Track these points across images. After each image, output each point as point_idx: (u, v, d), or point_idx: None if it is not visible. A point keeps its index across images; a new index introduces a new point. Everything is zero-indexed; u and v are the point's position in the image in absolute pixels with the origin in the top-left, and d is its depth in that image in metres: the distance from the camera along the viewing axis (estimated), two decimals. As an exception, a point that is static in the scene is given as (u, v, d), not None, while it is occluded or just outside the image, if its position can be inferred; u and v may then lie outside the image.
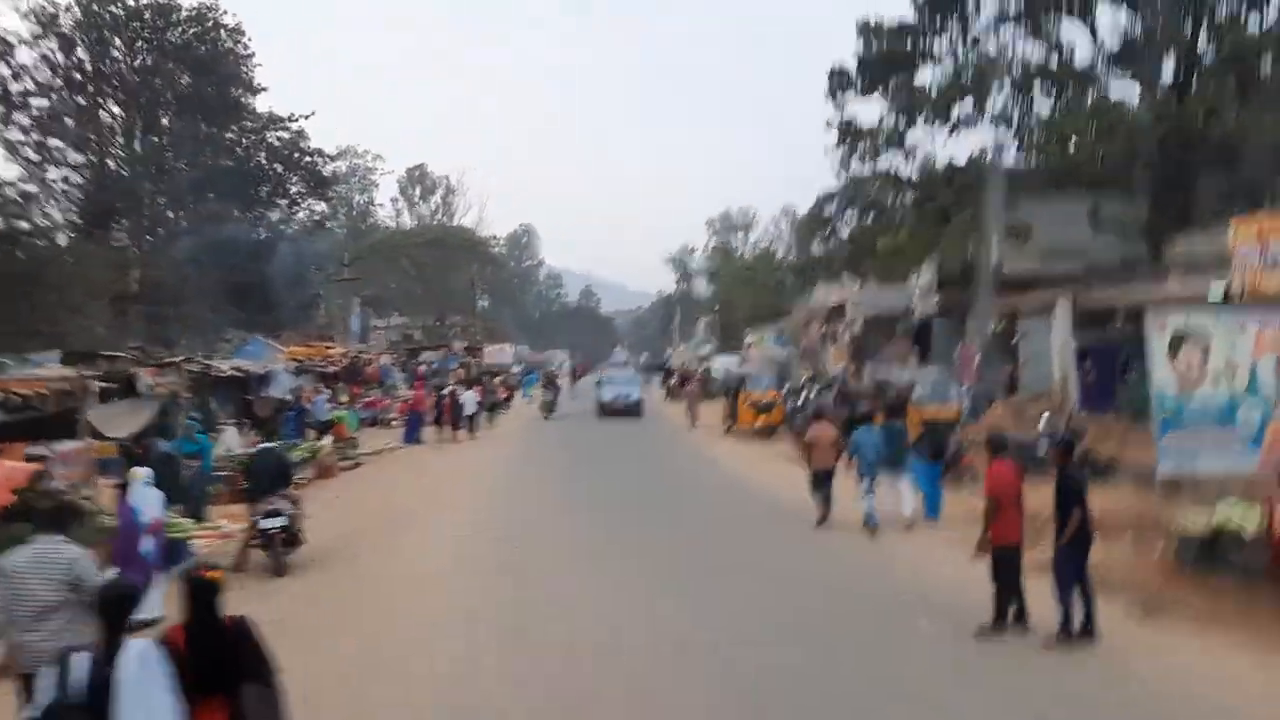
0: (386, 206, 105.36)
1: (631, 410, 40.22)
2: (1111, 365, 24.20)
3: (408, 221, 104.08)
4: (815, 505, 17.59)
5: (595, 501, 20.55)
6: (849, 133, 32.86)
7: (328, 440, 26.88)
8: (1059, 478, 10.69)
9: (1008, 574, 10.84)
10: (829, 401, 26.85)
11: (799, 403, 30.39)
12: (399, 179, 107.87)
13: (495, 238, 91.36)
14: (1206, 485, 13.26)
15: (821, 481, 17.74)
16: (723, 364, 53.89)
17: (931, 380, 25.00)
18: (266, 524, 14.17)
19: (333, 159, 63.80)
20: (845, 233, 70.07)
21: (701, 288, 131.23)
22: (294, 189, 61.53)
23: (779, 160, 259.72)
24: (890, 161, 33.01)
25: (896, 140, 32.21)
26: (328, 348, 42.06)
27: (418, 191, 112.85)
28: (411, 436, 31.65)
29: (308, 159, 60.88)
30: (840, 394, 27.97)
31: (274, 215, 60.93)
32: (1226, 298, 18.08)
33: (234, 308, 45.36)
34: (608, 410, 40.27)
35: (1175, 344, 13.59)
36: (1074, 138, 30.25)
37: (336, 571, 14.53)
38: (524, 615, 11.66)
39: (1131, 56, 30.33)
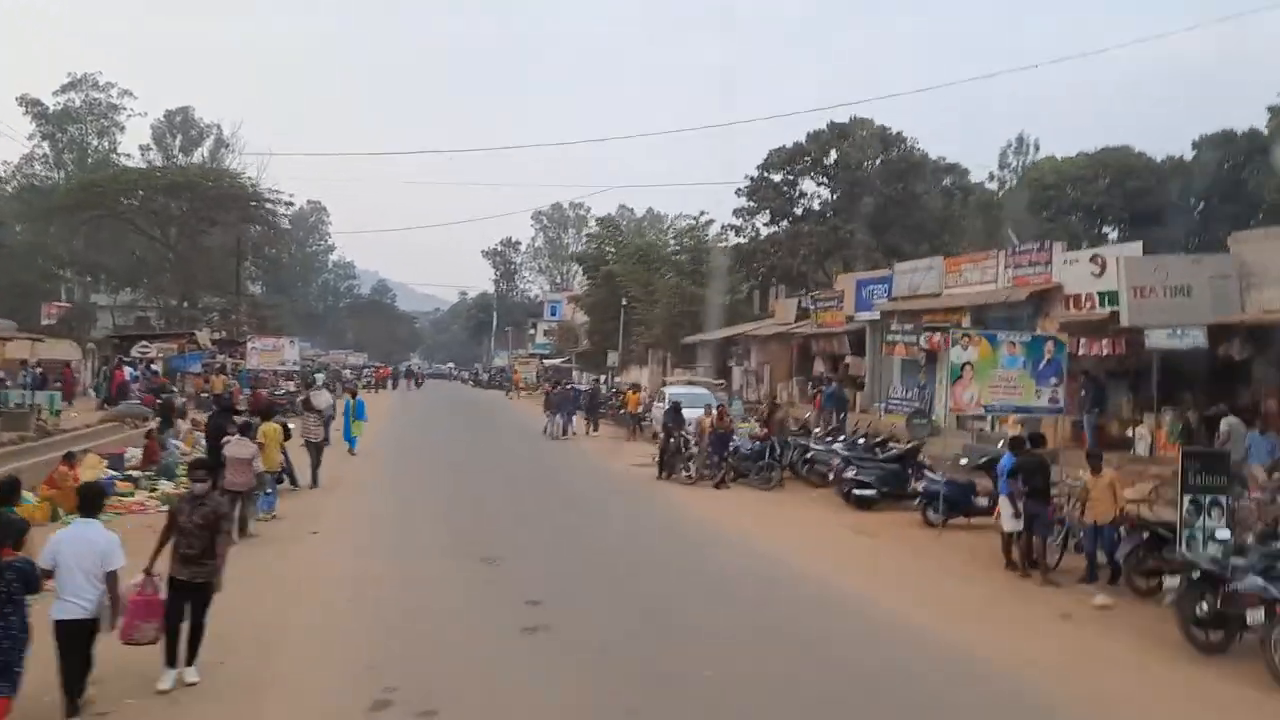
0: (135, 156, 71.90)
1: None
2: None
3: (162, 176, 70.70)
4: None
5: None
6: None
7: None
8: None
9: None
10: None
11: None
12: (154, 123, 74.76)
13: (279, 193, 59.94)
14: None
15: None
16: (676, 394, 27.42)
17: None
18: None
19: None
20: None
21: (534, 287, 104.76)
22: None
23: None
24: None
25: None
26: None
27: (178, 141, 79.93)
28: None
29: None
30: None
31: None
32: None
33: None
34: None
35: None
36: None
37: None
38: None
39: None
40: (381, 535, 13.48)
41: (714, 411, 19.73)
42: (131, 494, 16.76)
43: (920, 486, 15.04)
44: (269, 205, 61.33)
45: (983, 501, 14.70)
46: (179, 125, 78.76)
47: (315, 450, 17.84)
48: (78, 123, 72.51)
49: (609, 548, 12.94)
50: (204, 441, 15.77)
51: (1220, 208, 40.54)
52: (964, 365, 14.39)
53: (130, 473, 18.09)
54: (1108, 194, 46.24)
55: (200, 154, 76.55)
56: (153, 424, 19.59)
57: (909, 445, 17.02)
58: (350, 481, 18.71)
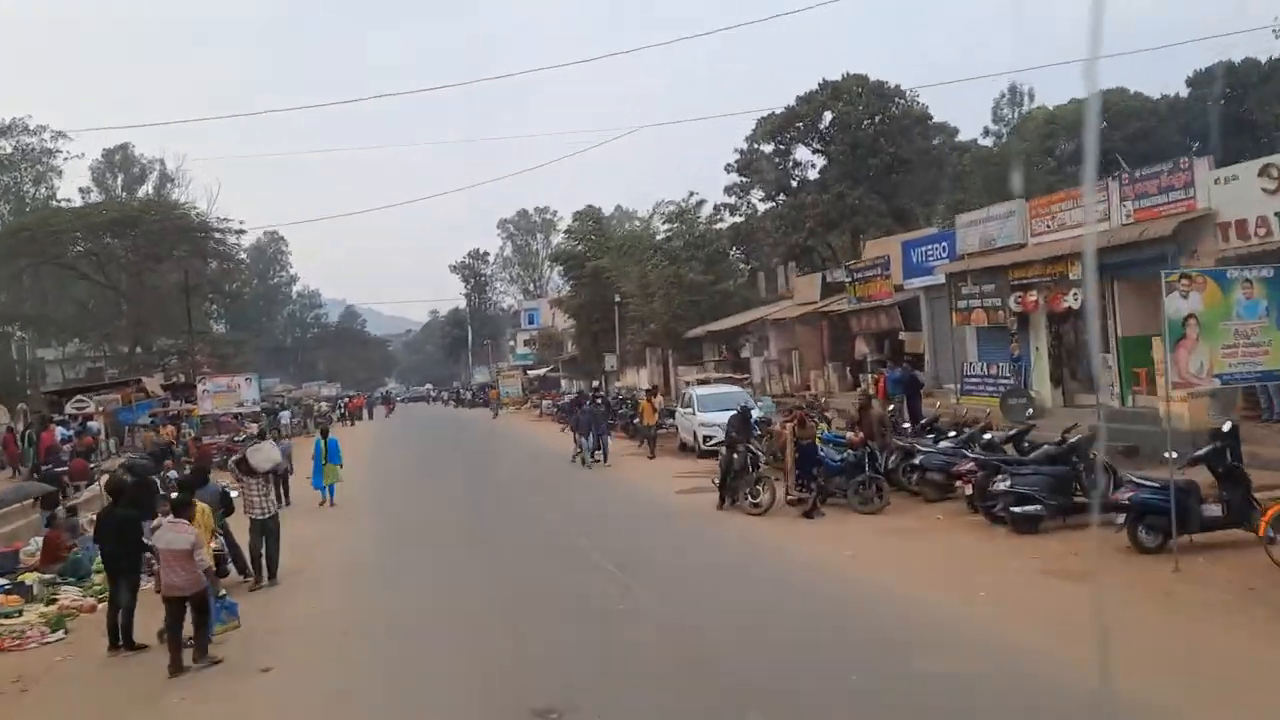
0: (76, 200, 66.51)
1: None
2: None
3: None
4: None
5: None
6: None
7: None
8: None
9: None
10: None
11: None
12: (93, 164, 69.57)
13: (229, 221, 54.86)
14: None
15: None
16: (702, 396, 23.18)
17: None
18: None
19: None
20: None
21: (507, 298, 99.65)
22: None
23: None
24: None
25: None
26: None
27: (120, 180, 74.79)
28: None
29: None
30: None
31: None
32: None
33: None
34: None
35: None
36: None
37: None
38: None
39: None
40: (370, 667, 8.59)
41: (795, 417, 14.92)
42: (18, 612, 11.88)
43: (1125, 496, 10.45)
44: (218, 235, 56.28)
45: (1215, 510, 10.21)
46: (119, 164, 73.80)
47: (261, 531, 12.38)
48: (11, 170, 66.99)
49: (720, 653, 8.16)
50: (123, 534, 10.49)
51: (1222, 142, 37.62)
52: (1186, 319, 9.82)
53: (24, 579, 13.23)
54: (1106, 139, 42.87)
55: (145, 191, 71.32)
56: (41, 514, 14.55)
57: (1074, 439, 12.35)
58: (320, 561, 13.83)
